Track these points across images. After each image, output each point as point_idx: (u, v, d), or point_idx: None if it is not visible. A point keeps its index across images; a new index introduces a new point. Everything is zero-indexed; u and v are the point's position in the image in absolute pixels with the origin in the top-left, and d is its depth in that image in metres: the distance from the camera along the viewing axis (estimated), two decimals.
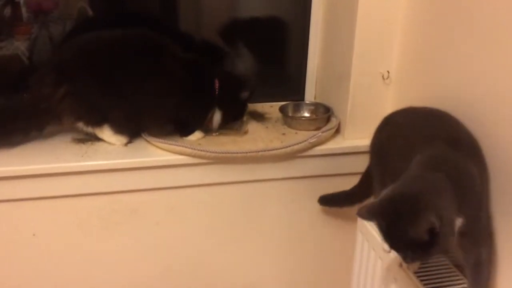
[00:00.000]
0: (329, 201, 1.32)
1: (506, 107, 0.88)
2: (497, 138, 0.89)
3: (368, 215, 0.81)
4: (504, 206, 0.89)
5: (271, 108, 1.46)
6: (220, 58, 1.45)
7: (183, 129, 1.25)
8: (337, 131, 1.34)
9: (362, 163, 1.30)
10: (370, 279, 1.17)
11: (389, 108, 1.31)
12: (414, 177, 0.84)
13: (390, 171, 0.99)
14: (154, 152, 1.23)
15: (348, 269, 1.30)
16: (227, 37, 1.49)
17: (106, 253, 1.30)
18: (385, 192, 0.81)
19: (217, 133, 1.30)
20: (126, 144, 1.24)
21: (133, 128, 1.24)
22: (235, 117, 1.31)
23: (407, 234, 0.76)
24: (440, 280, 0.97)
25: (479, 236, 0.86)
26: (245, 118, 1.35)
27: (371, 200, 1.13)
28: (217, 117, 1.27)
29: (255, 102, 1.45)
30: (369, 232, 1.16)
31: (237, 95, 1.26)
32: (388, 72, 1.26)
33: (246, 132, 1.32)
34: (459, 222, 0.80)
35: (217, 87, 1.24)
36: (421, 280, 0.97)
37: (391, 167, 0.99)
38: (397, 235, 0.77)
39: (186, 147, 1.21)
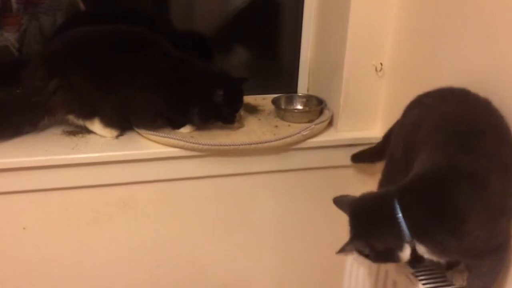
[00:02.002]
0: (360, 157, 1.28)
1: (502, 97, 0.86)
2: None
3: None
4: None
5: (264, 100, 1.45)
6: (209, 52, 1.43)
7: (174, 122, 1.24)
8: (330, 123, 1.34)
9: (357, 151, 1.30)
10: (362, 270, 1.17)
11: (382, 101, 1.31)
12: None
13: (411, 156, 0.92)
14: (146, 144, 1.21)
15: (341, 261, 1.30)
16: (220, 34, 1.48)
17: (98, 246, 1.29)
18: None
19: (211, 127, 1.28)
20: (117, 137, 1.23)
21: (124, 122, 1.23)
22: (213, 118, 1.25)
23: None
24: (438, 280, 0.96)
25: None
26: (242, 112, 1.33)
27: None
28: (195, 116, 1.23)
29: (248, 95, 1.44)
30: None
31: (210, 95, 1.20)
32: (381, 64, 1.26)
33: (240, 126, 1.30)
34: None
35: (195, 87, 1.21)
36: (420, 280, 0.95)
37: (412, 151, 0.92)
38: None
39: (178, 139, 1.20)
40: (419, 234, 0.77)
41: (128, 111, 1.21)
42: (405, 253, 0.78)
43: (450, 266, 0.94)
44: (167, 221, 1.31)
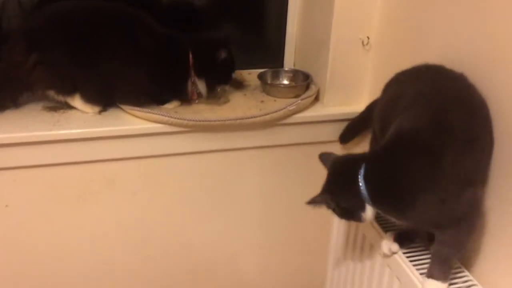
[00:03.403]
0: (347, 135, 1.30)
1: (493, 70, 0.86)
2: (496, 102, 0.86)
3: None
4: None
5: (250, 75, 1.43)
6: (195, 22, 1.40)
7: (158, 98, 1.22)
8: (317, 98, 1.33)
9: (341, 130, 1.30)
10: (348, 247, 1.18)
11: (369, 75, 1.30)
12: None
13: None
14: (130, 120, 1.19)
15: (327, 236, 1.31)
16: (205, 8, 1.45)
17: (82, 224, 1.28)
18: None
19: (196, 102, 1.26)
20: (99, 112, 1.20)
21: (106, 97, 1.21)
22: (221, 81, 1.27)
23: None
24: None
25: None
26: (226, 87, 1.32)
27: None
28: (201, 86, 1.23)
29: None
30: None
31: (213, 58, 1.21)
32: (368, 38, 1.24)
33: (226, 101, 1.29)
34: None
35: (191, 57, 1.20)
36: (414, 265, 0.95)
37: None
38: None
39: (162, 115, 1.18)
40: (375, 200, 0.83)
41: (112, 87, 1.19)
42: (367, 214, 0.85)
43: (431, 238, 0.96)
44: (153, 198, 1.30)
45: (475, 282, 0.90)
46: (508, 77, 0.83)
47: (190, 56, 1.19)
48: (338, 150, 1.35)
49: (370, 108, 1.19)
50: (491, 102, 0.86)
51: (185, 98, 1.24)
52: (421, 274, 0.91)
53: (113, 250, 1.34)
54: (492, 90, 0.86)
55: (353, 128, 1.28)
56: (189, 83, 1.22)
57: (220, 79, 1.27)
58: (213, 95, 1.27)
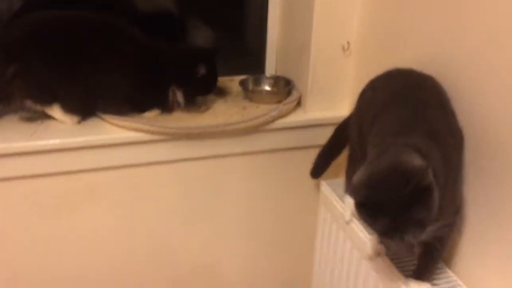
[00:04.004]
0: (318, 170, 1.26)
1: (473, 74, 0.87)
2: (463, 105, 0.88)
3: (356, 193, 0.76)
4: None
5: (231, 82, 1.42)
6: (176, 30, 1.40)
7: (139, 107, 1.21)
8: (299, 104, 1.33)
9: (323, 135, 1.30)
10: (332, 252, 1.18)
11: (350, 80, 1.30)
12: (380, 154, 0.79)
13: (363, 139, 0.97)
14: (109, 129, 1.18)
15: (311, 241, 1.31)
16: (184, 14, 1.44)
17: (64, 236, 1.25)
18: (366, 170, 0.76)
19: (177, 110, 1.25)
20: (78, 122, 1.18)
21: (86, 107, 1.19)
22: (200, 93, 1.26)
23: (400, 194, 0.71)
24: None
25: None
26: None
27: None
28: (180, 96, 1.23)
29: None
30: (331, 204, 1.17)
31: (193, 72, 1.21)
32: (348, 43, 1.25)
33: (207, 109, 1.28)
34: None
35: (172, 68, 1.20)
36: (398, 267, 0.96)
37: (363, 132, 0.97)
38: (397, 209, 0.72)
39: (143, 123, 1.16)
40: None
41: (94, 97, 1.17)
42: None
43: None
44: (135, 207, 1.28)
45: (456, 279, 0.91)
46: (473, 79, 0.86)
47: (171, 66, 1.19)
48: None
49: (339, 130, 1.19)
50: (459, 102, 0.88)
51: (165, 107, 1.23)
52: (405, 276, 0.91)
53: (95, 261, 1.31)
54: (462, 91, 0.89)
55: (323, 158, 1.23)
56: (170, 92, 1.21)
57: (199, 91, 1.26)
58: (193, 105, 1.26)
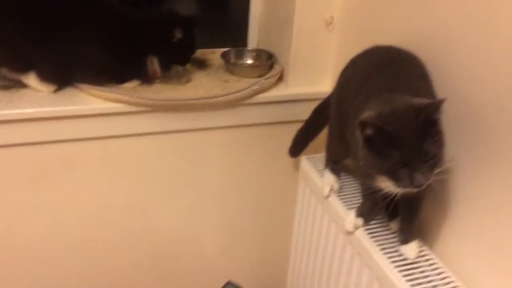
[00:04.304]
0: (297, 149, 1.26)
1: (457, 48, 0.86)
2: (447, 79, 0.88)
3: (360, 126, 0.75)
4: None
5: (213, 54, 1.40)
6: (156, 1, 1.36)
7: (116, 77, 1.18)
8: (280, 78, 1.32)
9: (305, 111, 1.29)
10: (311, 225, 1.19)
11: (333, 55, 1.30)
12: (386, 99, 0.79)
13: (341, 110, 0.97)
14: (87, 99, 1.15)
15: (291, 215, 1.32)
16: None
17: (39, 208, 1.23)
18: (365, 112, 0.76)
19: (158, 81, 1.23)
20: (55, 91, 1.15)
21: (62, 76, 1.16)
22: (176, 61, 1.23)
23: (414, 124, 0.71)
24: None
25: None
26: (187, 66, 1.28)
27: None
28: (156, 64, 1.20)
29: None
30: (310, 179, 1.17)
31: (168, 37, 1.17)
32: (331, 17, 1.24)
33: (188, 81, 1.26)
34: None
35: (147, 34, 1.16)
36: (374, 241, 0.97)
37: (342, 105, 0.97)
38: (408, 142, 0.72)
39: (121, 94, 1.14)
40: None
41: (70, 65, 1.14)
42: None
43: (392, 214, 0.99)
44: (113, 179, 1.27)
45: (437, 261, 0.91)
46: (454, 58, 0.86)
47: (147, 32, 1.16)
48: None
49: (318, 110, 1.18)
50: (440, 77, 0.88)
51: (145, 77, 1.20)
52: (381, 249, 0.92)
53: (71, 233, 1.30)
54: (443, 69, 0.89)
55: (302, 137, 1.23)
56: (148, 62, 1.19)
57: (176, 59, 1.23)
58: (170, 75, 1.23)
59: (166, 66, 1.21)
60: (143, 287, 1.46)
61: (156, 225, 1.38)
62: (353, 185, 1.11)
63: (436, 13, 0.91)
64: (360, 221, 0.99)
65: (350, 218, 0.99)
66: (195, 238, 1.45)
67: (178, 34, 1.17)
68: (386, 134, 0.73)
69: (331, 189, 1.08)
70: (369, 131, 0.74)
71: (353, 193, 1.08)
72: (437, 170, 0.75)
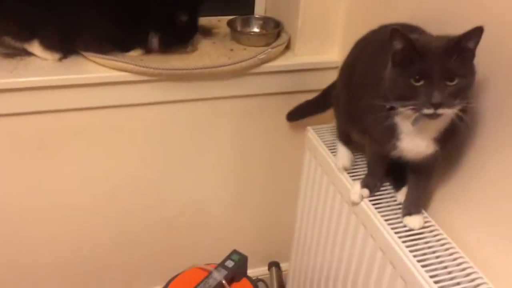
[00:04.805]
0: (295, 115, 1.30)
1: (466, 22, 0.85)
2: None
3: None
4: None
5: (219, 22, 1.38)
6: None
7: (120, 46, 1.16)
8: (288, 47, 1.30)
9: (313, 80, 1.29)
10: (316, 195, 1.20)
11: (340, 24, 1.27)
12: None
13: (350, 87, 0.97)
14: (93, 68, 1.14)
15: (297, 183, 1.32)
16: None
17: (48, 176, 1.25)
18: None
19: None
20: (60, 60, 1.15)
21: (67, 44, 1.14)
22: (175, 42, 1.21)
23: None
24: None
25: None
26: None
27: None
28: (155, 41, 1.18)
29: (202, 16, 1.35)
30: (315, 149, 1.17)
31: (172, 17, 1.15)
32: None
33: (194, 50, 1.24)
34: None
35: (152, 9, 1.14)
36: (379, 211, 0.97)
37: (351, 82, 0.97)
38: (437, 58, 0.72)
39: (127, 62, 1.13)
40: None
41: (73, 33, 1.13)
42: None
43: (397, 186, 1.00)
44: (121, 148, 1.27)
45: (442, 232, 0.92)
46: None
47: (151, 9, 1.13)
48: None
49: (327, 91, 1.19)
50: None
51: (146, 48, 1.19)
52: (385, 220, 0.93)
53: (80, 202, 1.32)
54: None
55: (304, 109, 1.26)
56: (149, 37, 1.17)
57: (176, 40, 1.21)
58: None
59: (165, 45, 1.19)
60: (151, 256, 1.49)
61: (163, 195, 1.40)
62: (362, 160, 1.10)
63: None
64: (366, 191, 0.99)
65: (356, 189, 0.99)
66: (202, 207, 1.47)
67: (182, 17, 1.15)
68: (413, 47, 0.73)
69: (344, 167, 1.07)
70: (397, 44, 0.74)
71: (360, 166, 1.08)
72: (459, 102, 0.73)
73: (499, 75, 0.79)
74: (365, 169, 1.05)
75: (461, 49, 0.72)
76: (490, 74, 0.80)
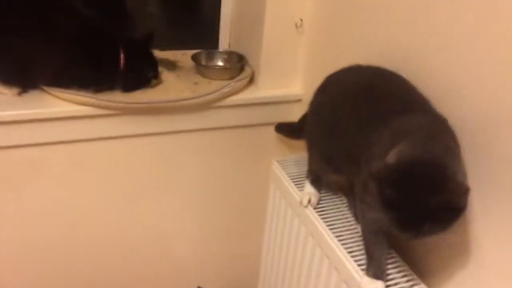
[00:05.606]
0: (283, 129, 1.29)
1: (435, 55, 0.86)
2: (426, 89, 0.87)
3: (378, 182, 0.71)
4: None
5: (183, 56, 1.39)
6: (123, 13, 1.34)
7: (80, 83, 1.14)
8: (251, 80, 1.32)
9: (277, 113, 1.31)
10: (281, 227, 1.20)
11: (303, 58, 1.30)
12: (420, 138, 0.74)
13: (333, 133, 0.93)
14: (53, 102, 1.12)
15: (263, 218, 1.32)
16: None
17: (4, 212, 1.20)
18: (392, 157, 0.72)
19: None
20: (19, 94, 1.12)
21: (24, 79, 1.13)
22: (141, 85, 1.21)
23: (435, 201, 0.68)
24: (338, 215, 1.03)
25: None
26: (159, 68, 1.27)
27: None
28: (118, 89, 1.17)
29: (167, 50, 1.38)
30: (280, 182, 1.18)
31: (143, 73, 1.17)
32: (301, 20, 1.24)
33: (158, 83, 1.24)
34: None
35: (122, 60, 1.14)
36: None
37: (334, 128, 0.93)
38: (419, 205, 0.68)
39: (88, 96, 1.12)
40: None
41: (30, 69, 1.11)
42: None
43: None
44: (81, 184, 1.25)
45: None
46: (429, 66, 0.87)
47: (121, 54, 1.14)
48: (272, 133, 1.35)
49: (302, 121, 1.14)
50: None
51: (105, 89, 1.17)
52: (348, 252, 0.93)
53: (39, 237, 1.27)
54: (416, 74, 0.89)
55: (291, 130, 1.26)
56: (116, 78, 1.16)
57: (141, 84, 1.20)
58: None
59: (132, 89, 1.18)
60: None
61: (125, 229, 1.37)
62: (331, 198, 1.10)
63: (404, 21, 0.92)
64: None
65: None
66: (166, 241, 1.44)
67: (151, 74, 1.17)
68: (399, 196, 0.69)
69: (309, 201, 1.06)
70: (386, 192, 0.71)
71: (329, 205, 1.08)
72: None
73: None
74: (331, 202, 1.06)
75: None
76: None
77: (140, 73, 1.18)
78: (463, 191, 0.69)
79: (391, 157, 0.72)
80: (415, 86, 0.86)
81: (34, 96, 1.14)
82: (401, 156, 0.71)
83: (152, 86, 1.22)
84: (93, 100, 1.12)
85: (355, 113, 0.87)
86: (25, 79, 1.13)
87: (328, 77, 1.00)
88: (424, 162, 0.70)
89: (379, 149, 0.77)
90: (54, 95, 1.13)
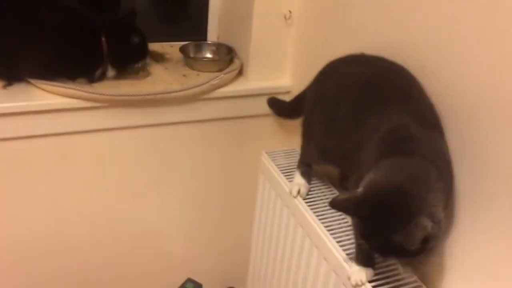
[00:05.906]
0: (274, 105, 1.26)
1: (426, 47, 0.86)
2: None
3: (345, 209, 0.75)
4: None
5: (172, 48, 1.38)
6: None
7: (67, 74, 1.14)
8: (240, 72, 1.32)
9: (265, 105, 1.30)
10: (271, 219, 1.20)
11: (291, 50, 1.30)
12: (395, 165, 0.74)
13: (332, 127, 0.93)
14: (40, 95, 1.11)
15: (252, 210, 1.32)
16: None
17: None
18: (365, 184, 0.73)
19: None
20: (4, 87, 1.11)
21: (9, 72, 1.12)
22: (132, 62, 1.20)
23: (394, 240, 0.69)
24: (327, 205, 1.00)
25: None
26: (148, 60, 1.26)
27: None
28: (111, 71, 1.17)
29: (155, 42, 1.36)
30: (269, 173, 1.18)
31: (126, 44, 1.15)
32: (290, 12, 1.24)
33: (146, 75, 1.24)
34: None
35: (104, 42, 1.13)
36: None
37: (333, 123, 0.93)
38: (382, 238, 0.71)
39: (76, 89, 1.11)
40: None
41: (15, 61, 1.10)
42: None
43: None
44: (68, 177, 1.24)
45: None
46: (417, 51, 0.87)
47: (103, 40, 1.13)
48: (262, 124, 1.35)
49: (298, 101, 1.13)
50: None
51: (93, 78, 1.16)
52: (337, 242, 0.94)
53: (27, 231, 1.26)
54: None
55: (280, 108, 1.24)
56: (100, 68, 1.15)
57: (131, 61, 1.19)
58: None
59: (122, 71, 1.18)
60: (102, 284, 1.44)
61: (114, 222, 1.36)
62: (320, 188, 1.10)
63: (393, 13, 0.92)
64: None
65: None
66: (155, 234, 1.44)
67: (135, 39, 1.15)
68: (370, 224, 0.72)
69: (299, 192, 1.06)
70: (359, 213, 0.74)
71: (318, 196, 1.08)
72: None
73: None
74: (320, 193, 1.07)
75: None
76: None
77: (126, 50, 1.17)
78: (421, 234, 0.68)
79: (362, 186, 0.73)
80: (419, 81, 0.86)
81: (19, 89, 1.12)
82: (368, 189, 0.72)
83: (140, 78, 1.22)
84: (80, 93, 1.11)
85: (355, 113, 0.88)
86: (10, 72, 1.12)
87: (332, 63, 0.99)
88: (391, 196, 0.71)
89: (366, 157, 0.79)
90: (40, 88, 1.12)
